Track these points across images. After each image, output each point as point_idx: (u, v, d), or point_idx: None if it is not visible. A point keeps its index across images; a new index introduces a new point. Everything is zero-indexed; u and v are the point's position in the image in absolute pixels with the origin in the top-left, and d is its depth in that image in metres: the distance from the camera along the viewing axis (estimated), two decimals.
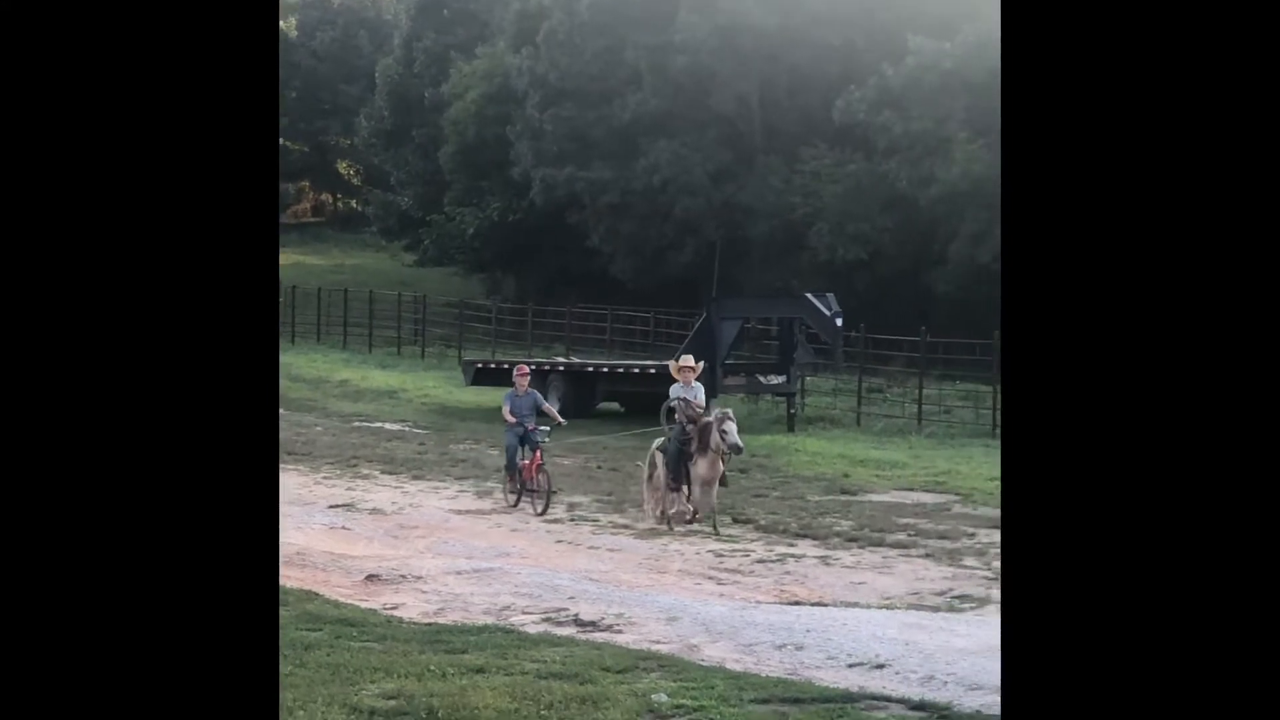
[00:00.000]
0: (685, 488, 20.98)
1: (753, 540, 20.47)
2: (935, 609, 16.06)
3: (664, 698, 11.24)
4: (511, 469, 22.89)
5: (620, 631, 14.28)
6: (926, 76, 47.08)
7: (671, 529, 20.85)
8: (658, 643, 13.74)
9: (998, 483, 25.75)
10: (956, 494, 24.85)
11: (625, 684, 11.70)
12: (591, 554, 18.97)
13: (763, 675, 12.62)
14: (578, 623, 14.65)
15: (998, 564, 18.51)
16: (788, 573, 18.18)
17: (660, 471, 21.25)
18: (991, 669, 12.89)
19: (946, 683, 12.01)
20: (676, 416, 21.37)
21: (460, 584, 16.65)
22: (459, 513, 22.66)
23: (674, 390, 21.68)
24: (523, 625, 14.41)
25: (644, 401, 36.22)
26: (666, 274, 53.76)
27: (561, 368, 38.15)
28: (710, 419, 20.88)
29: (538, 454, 22.65)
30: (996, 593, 16.76)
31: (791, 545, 20.00)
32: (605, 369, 37.31)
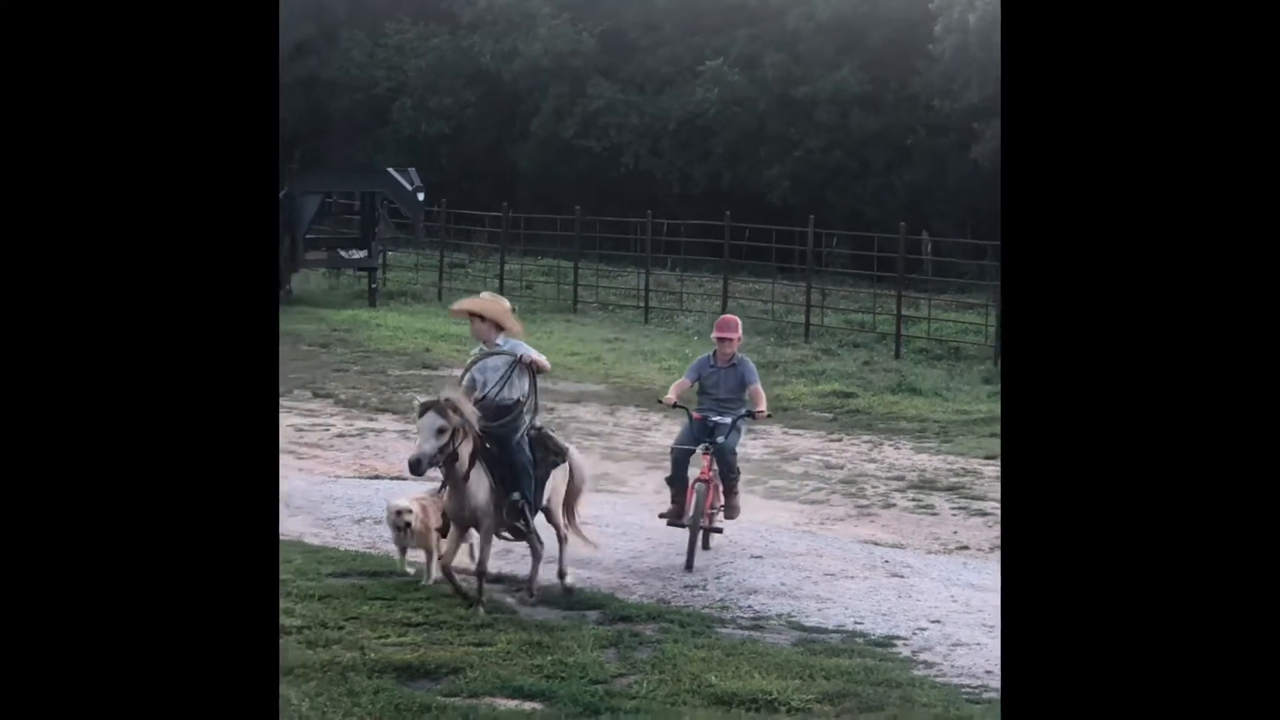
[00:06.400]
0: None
1: (333, 415, 20.27)
2: None
3: None
4: (680, 479, 12.89)
5: None
6: None
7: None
8: None
9: (578, 357, 26.19)
10: None
11: None
12: None
13: (342, 549, 12.54)
14: None
15: (577, 437, 18.82)
16: (368, 447, 18.07)
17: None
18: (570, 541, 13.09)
19: (526, 555, 12.10)
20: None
21: None
22: None
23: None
24: None
25: None
26: None
27: None
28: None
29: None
30: None
31: (372, 420, 19.89)
32: None
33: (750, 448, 18.53)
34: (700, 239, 35.09)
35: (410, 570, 11.74)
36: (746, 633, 10.68)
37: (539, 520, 11.46)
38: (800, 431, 19.76)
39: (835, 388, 23.30)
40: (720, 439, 12.64)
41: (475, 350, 11.66)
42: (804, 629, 10.83)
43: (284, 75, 50.19)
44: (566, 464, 11.67)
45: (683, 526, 12.52)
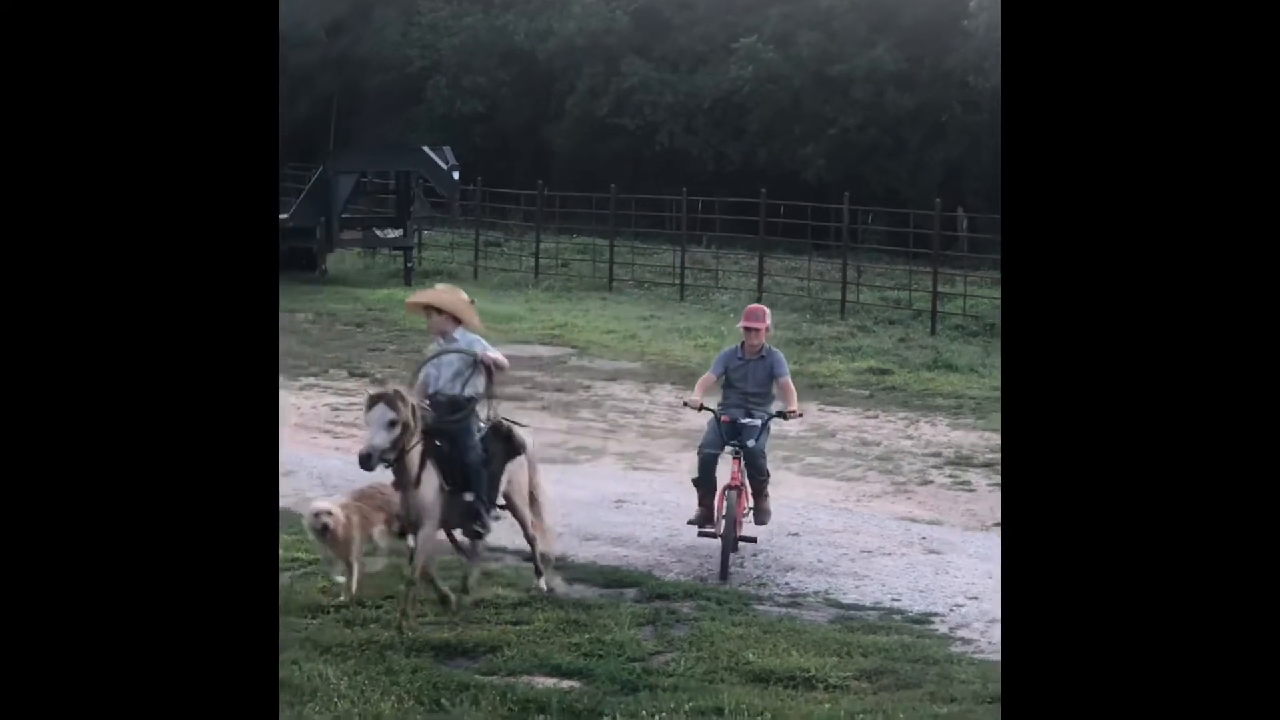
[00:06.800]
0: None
1: None
2: (552, 461, 16.17)
3: None
4: (707, 483, 12.36)
5: None
6: None
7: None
8: None
9: (614, 335, 26.18)
10: (573, 347, 25.08)
11: None
12: None
13: None
14: None
15: (613, 415, 18.83)
16: None
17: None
18: (606, 519, 13.11)
19: (562, 533, 12.10)
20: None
21: None
22: None
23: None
24: None
25: None
26: (281, 128, 52.50)
27: None
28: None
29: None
30: (613, 444, 17.03)
31: None
32: None
33: (786, 425, 18.51)
34: (735, 216, 35.02)
35: (340, 579, 10.80)
36: (784, 610, 10.68)
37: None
38: (836, 408, 19.72)
39: (871, 364, 23.23)
40: (750, 442, 12.13)
41: (431, 346, 10.97)
42: (841, 606, 10.83)
43: (318, 54, 50.51)
44: (524, 455, 11.04)
45: (712, 536, 12.07)
